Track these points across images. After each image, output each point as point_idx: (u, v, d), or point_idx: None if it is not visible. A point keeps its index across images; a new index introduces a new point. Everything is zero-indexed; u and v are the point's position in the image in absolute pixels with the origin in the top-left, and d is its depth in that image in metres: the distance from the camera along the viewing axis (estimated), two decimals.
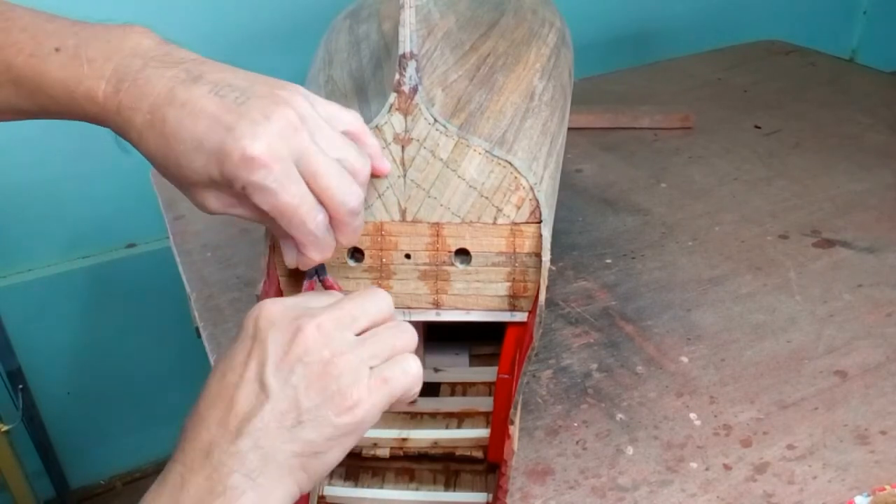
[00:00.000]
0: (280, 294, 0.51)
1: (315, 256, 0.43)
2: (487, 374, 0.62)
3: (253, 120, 0.38)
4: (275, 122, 0.39)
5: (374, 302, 0.40)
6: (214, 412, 0.36)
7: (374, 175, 0.45)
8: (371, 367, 0.38)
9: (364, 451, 0.54)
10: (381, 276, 0.50)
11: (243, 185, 0.39)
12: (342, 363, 0.37)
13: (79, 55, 0.41)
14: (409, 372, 0.39)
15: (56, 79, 0.41)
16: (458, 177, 0.47)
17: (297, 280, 0.50)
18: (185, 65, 0.41)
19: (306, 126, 0.40)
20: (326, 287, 0.48)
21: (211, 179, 0.40)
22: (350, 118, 0.43)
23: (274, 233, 0.45)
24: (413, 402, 0.57)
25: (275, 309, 0.38)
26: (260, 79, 0.41)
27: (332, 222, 0.42)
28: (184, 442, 0.36)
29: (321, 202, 0.40)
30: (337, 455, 0.37)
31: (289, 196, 0.39)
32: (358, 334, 0.39)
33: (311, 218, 0.40)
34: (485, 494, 0.53)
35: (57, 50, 0.41)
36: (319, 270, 0.47)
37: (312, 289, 0.48)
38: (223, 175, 0.39)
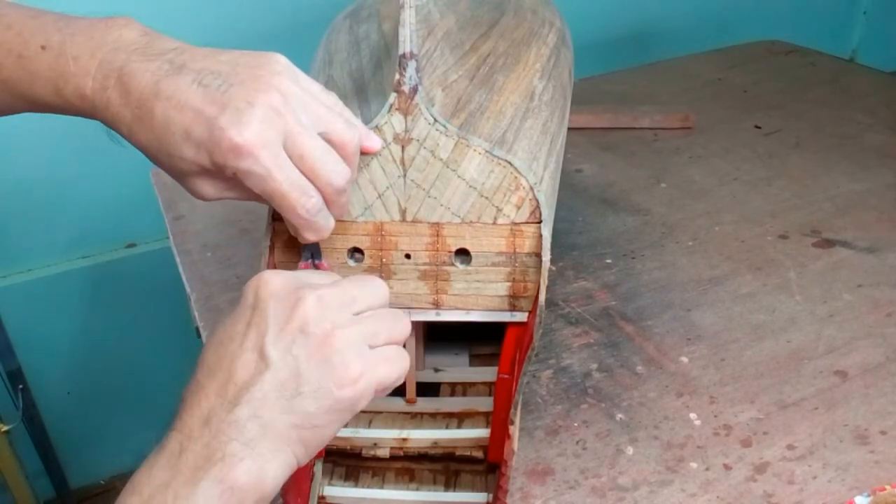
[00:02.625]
0: None
1: (309, 237, 0.44)
2: (487, 374, 0.62)
3: (237, 108, 0.39)
4: (258, 108, 0.39)
5: (372, 287, 0.41)
6: (213, 381, 0.36)
7: (364, 151, 0.45)
8: (370, 346, 0.38)
9: (364, 451, 0.54)
10: (381, 276, 0.49)
11: (234, 172, 0.40)
12: (343, 337, 0.37)
13: (64, 52, 0.41)
14: (406, 359, 0.40)
15: (45, 79, 0.42)
16: (458, 177, 0.47)
17: None
18: (167, 55, 0.41)
19: (290, 106, 0.40)
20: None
21: (203, 168, 0.41)
22: (332, 100, 0.44)
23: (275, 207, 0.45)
24: (413, 402, 0.57)
25: (275, 279, 0.39)
26: (242, 59, 0.41)
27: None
28: (182, 411, 0.36)
29: (310, 181, 0.41)
30: (333, 430, 0.38)
31: (276, 182, 0.40)
32: (354, 315, 0.39)
33: (301, 203, 0.41)
34: (485, 494, 0.53)
35: (43, 48, 0.42)
36: (315, 253, 0.48)
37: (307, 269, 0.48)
38: (214, 163, 0.40)
